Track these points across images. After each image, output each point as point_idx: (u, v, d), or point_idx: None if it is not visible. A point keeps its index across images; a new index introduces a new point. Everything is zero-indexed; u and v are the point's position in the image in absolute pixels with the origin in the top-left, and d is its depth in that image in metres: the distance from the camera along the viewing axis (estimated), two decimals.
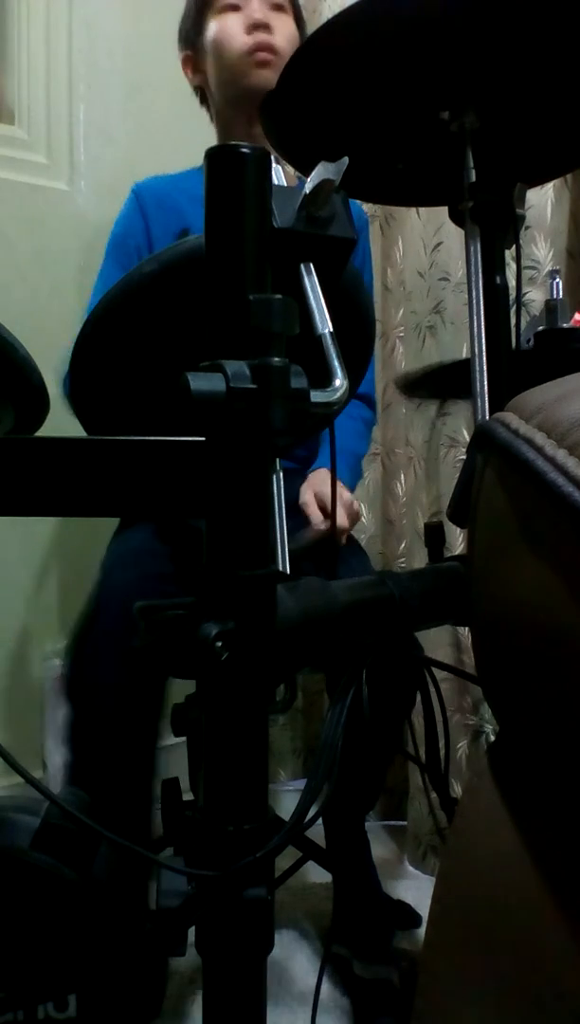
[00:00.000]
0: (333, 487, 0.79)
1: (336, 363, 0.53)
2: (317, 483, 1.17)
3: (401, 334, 1.61)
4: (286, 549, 0.65)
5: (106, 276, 1.33)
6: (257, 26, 1.26)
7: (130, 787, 0.99)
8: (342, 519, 1.15)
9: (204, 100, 1.41)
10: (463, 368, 0.74)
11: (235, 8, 1.29)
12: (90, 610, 1.05)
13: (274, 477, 0.53)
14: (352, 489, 1.27)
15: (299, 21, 1.34)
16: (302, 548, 1.08)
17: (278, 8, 1.30)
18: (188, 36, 1.35)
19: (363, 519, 1.70)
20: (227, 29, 1.28)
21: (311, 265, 0.55)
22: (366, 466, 1.69)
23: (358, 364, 0.80)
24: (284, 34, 1.28)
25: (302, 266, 0.55)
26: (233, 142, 0.51)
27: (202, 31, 1.32)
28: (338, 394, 0.51)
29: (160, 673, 1.00)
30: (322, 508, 1.13)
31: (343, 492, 1.19)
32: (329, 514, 1.11)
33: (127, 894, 0.67)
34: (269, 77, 1.26)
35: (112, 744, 0.99)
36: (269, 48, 1.26)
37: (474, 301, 0.73)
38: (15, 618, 1.58)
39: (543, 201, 1.30)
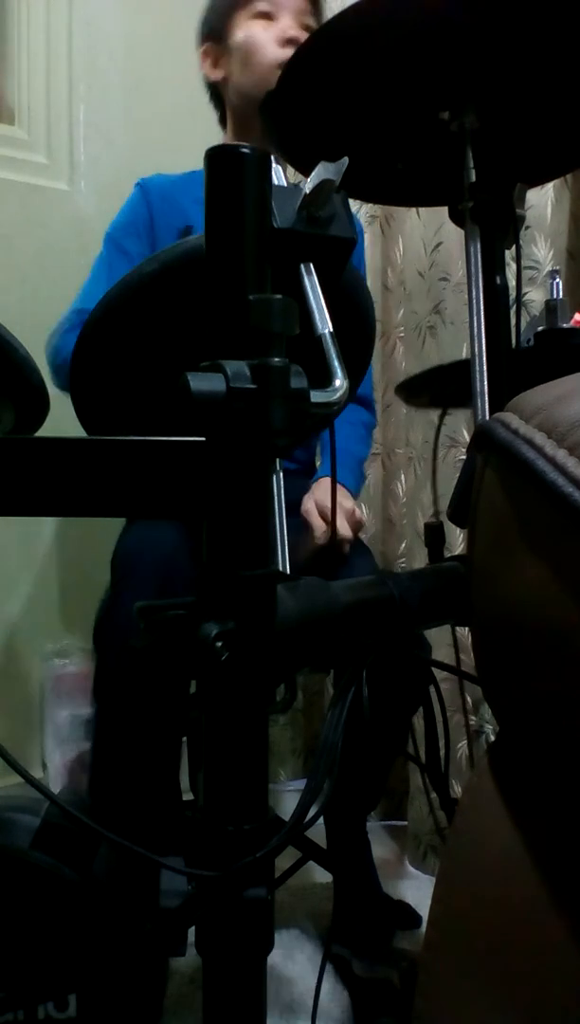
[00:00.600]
0: (333, 486, 0.79)
1: (336, 363, 0.53)
2: (319, 491, 1.17)
3: (401, 334, 1.61)
4: (286, 549, 0.65)
5: (106, 263, 1.33)
6: (290, 41, 1.27)
7: (153, 786, 0.99)
8: (344, 528, 1.15)
9: (214, 97, 1.40)
10: (463, 368, 0.74)
11: (267, 17, 1.29)
12: (108, 597, 1.04)
13: (274, 477, 0.53)
14: (355, 494, 1.27)
15: None
16: (304, 557, 1.08)
17: (307, 28, 1.30)
18: (213, 31, 1.35)
19: (364, 519, 1.70)
20: (259, 37, 1.29)
21: (311, 265, 0.55)
22: (366, 466, 1.69)
23: (358, 364, 0.80)
24: None
25: (302, 266, 0.55)
26: (235, 143, 0.51)
27: (230, 30, 1.31)
28: (338, 394, 0.51)
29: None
30: (323, 516, 1.13)
31: (345, 501, 1.18)
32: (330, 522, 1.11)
33: (128, 894, 0.67)
34: None
35: (137, 741, 0.99)
36: None
37: (474, 301, 0.73)
38: (15, 618, 1.58)
39: (543, 201, 1.30)
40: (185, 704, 0.96)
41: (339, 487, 1.19)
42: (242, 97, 1.33)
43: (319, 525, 1.12)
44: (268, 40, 1.29)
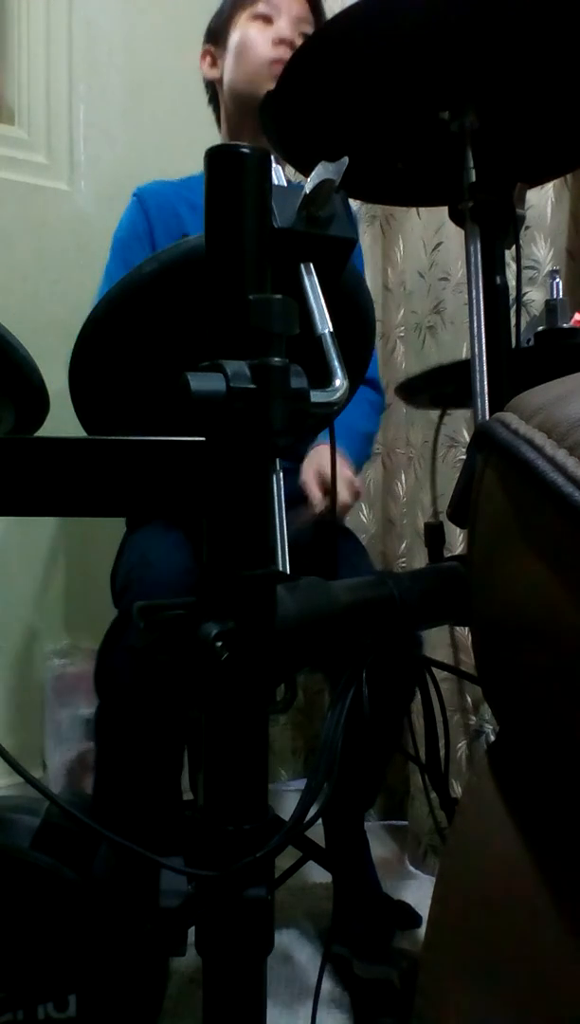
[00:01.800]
0: (333, 485, 0.79)
1: (336, 363, 0.53)
2: (318, 460, 1.15)
3: (401, 334, 1.61)
4: (286, 549, 0.65)
5: (112, 275, 1.34)
6: (283, 42, 1.30)
7: (153, 793, 0.99)
8: (343, 495, 1.14)
9: (213, 99, 1.43)
10: (463, 368, 0.74)
11: (267, 20, 1.32)
12: (114, 623, 1.03)
13: (274, 477, 0.53)
14: (358, 467, 1.27)
15: None
16: (301, 527, 1.07)
17: (304, 37, 1.32)
18: (215, 32, 1.38)
19: (363, 518, 1.70)
20: (255, 37, 1.32)
21: (311, 265, 0.55)
22: (366, 466, 1.69)
23: (358, 364, 0.80)
24: None
25: (302, 266, 0.55)
26: (233, 142, 0.51)
27: (230, 31, 1.34)
28: (338, 394, 0.51)
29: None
30: (322, 486, 1.11)
31: (345, 469, 1.17)
32: (329, 491, 1.10)
33: (128, 894, 0.67)
34: None
35: (141, 745, 0.99)
36: None
37: (474, 301, 0.73)
38: (16, 618, 1.58)
39: (543, 201, 1.30)
40: (186, 707, 0.96)
41: (339, 454, 1.17)
42: (234, 97, 1.35)
43: (316, 494, 1.11)
44: (263, 40, 1.32)
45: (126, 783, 1.00)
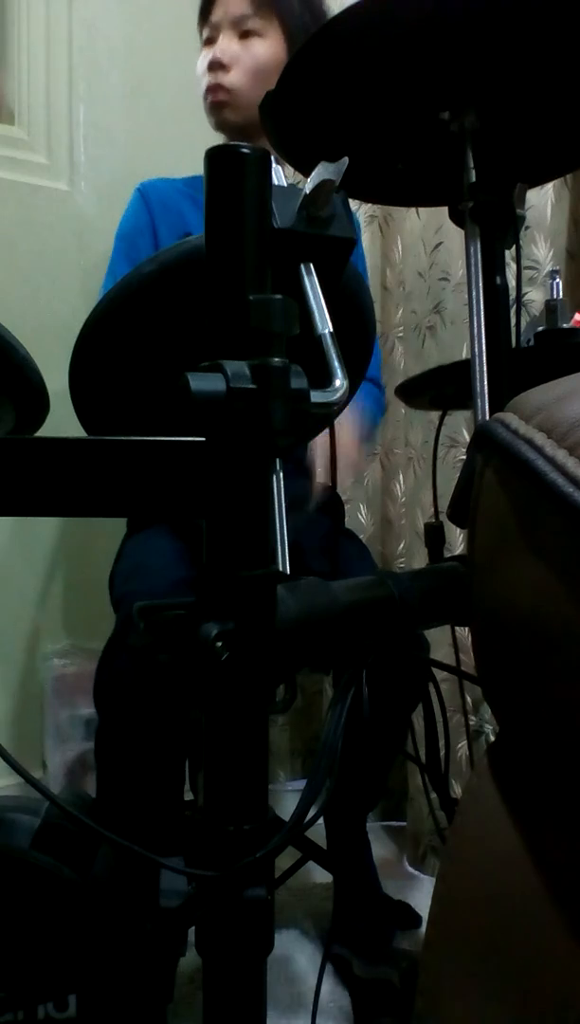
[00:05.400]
0: (333, 485, 0.79)
1: (336, 363, 0.53)
2: (324, 441, 1.16)
3: (401, 334, 1.61)
4: (286, 549, 0.65)
5: (116, 271, 1.34)
6: (212, 66, 1.26)
7: (155, 797, 0.99)
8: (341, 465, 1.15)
9: None
10: (463, 369, 0.74)
11: (210, 43, 1.28)
12: (112, 637, 1.03)
13: (274, 477, 0.53)
14: (370, 430, 1.29)
15: (290, 28, 1.27)
16: (302, 500, 1.08)
17: (247, 34, 1.27)
18: None
19: (361, 519, 1.70)
20: (199, 69, 1.29)
21: (311, 265, 0.55)
22: (365, 466, 1.69)
23: (358, 364, 0.80)
24: (246, 63, 1.26)
25: (302, 266, 0.55)
26: (233, 143, 0.51)
27: None
28: (338, 394, 0.51)
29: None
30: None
31: (350, 450, 1.19)
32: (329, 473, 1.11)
33: (128, 894, 0.67)
34: (226, 116, 1.27)
35: (141, 756, 0.99)
36: (218, 89, 1.26)
37: (474, 301, 0.73)
38: (16, 618, 1.58)
39: (543, 201, 1.30)
40: (187, 712, 0.96)
41: (345, 427, 1.18)
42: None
43: (321, 474, 1.12)
44: (203, 67, 1.28)
45: (129, 794, 1.00)
